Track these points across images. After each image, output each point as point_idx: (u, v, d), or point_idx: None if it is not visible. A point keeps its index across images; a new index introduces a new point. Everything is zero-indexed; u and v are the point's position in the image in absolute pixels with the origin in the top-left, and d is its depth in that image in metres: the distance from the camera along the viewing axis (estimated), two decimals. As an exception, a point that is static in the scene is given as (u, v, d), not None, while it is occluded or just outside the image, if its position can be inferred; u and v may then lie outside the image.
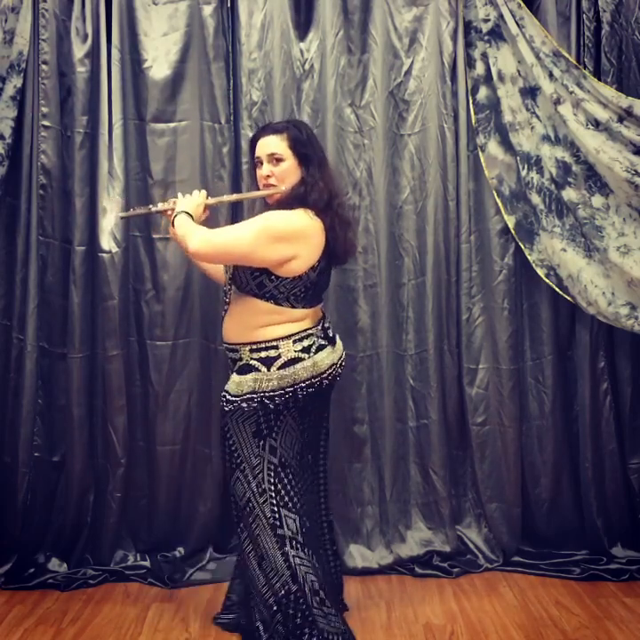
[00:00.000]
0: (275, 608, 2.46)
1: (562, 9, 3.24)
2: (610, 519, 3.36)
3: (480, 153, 3.30)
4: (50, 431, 3.30)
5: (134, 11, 3.22)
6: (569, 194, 3.19)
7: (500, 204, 3.29)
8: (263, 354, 2.52)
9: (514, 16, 3.18)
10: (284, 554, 2.47)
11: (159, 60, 3.24)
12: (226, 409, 2.54)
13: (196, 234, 2.48)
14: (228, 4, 3.25)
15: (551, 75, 3.15)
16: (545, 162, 3.21)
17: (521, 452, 3.40)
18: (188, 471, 3.37)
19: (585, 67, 3.19)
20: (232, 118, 3.28)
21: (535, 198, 3.23)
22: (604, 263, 3.17)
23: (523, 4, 3.18)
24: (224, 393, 2.57)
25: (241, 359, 2.55)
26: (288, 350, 2.52)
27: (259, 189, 2.67)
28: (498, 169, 3.29)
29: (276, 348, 2.52)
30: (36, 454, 3.26)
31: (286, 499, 2.52)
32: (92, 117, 3.20)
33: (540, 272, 3.27)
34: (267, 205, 2.67)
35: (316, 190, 2.56)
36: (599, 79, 3.16)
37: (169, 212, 2.67)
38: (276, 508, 2.50)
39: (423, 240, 3.35)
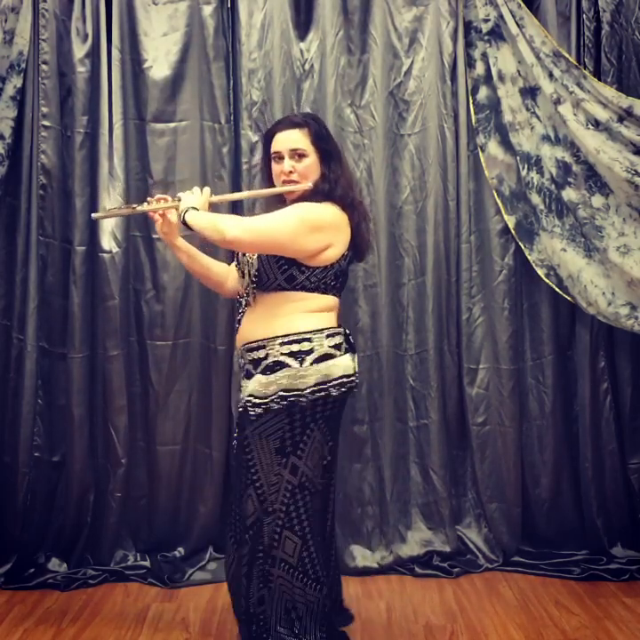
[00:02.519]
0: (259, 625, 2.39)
1: (562, 9, 3.24)
2: (610, 519, 3.36)
3: (480, 153, 3.30)
4: (50, 431, 3.30)
5: (134, 11, 3.22)
6: (569, 194, 3.19)
7: (500, 204, 3.29)
8: (295, 347, 2.36)
9: (514, 16, 3.18)
10: (271, 576, 2.36)
11: (159, 60, 3.24)
12: (252, 415, 2.36)
13: (232, 221, 2.38)
14: (228, 4, 3.25)
15: (551, 75, 3.15)
16: (545, 162, 3.21)
17: (521, 452, 3.40)
18: (187, 471, 3.37)
19: (585, 67, 3.19)
20: (232, 118, 3.28)
21: (535, 198, 3.23)
22: (604, 263, 3.16)
23: (523, 4, 3.18)
24: (248, 398, 2.39)
25: (267, 357, 2.38)
26: (321, 345, 2.37)
27: (268, 186, 2.60)
28: (498, 169, 3.29)
29: (309, 340, 2.37)
30: (35, 454, 3.26)
31: (295, 522, 2.37)
32: (92, 117, 3.20)
33: (540, 272, 3.27)
34: (281, 203, 2.57)
35: (340, 186, 2.49)
36: (599, 79, 3.16)
37: (159, 214, 2.57)
38: (278, 530, 2.36)
39: (423, 240, 3.35)
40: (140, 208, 2.60)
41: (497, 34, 3.23)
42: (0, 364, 3.28)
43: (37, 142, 3.17)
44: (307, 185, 2.48)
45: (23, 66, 3.13)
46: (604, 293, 3.16)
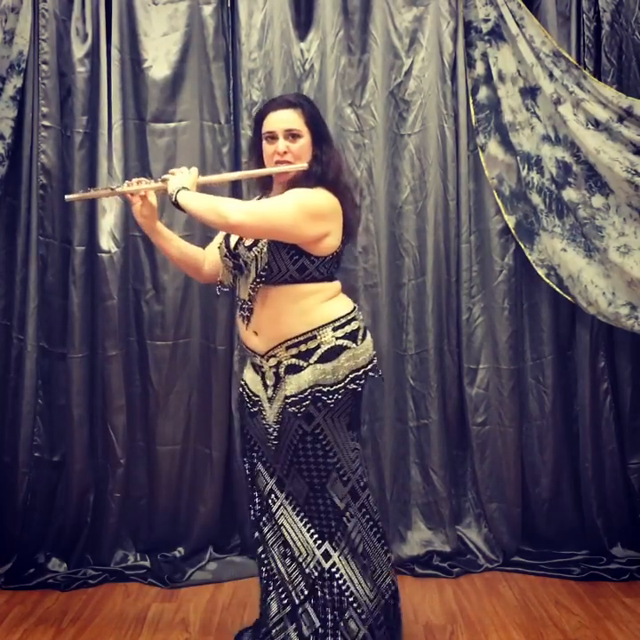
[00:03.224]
0: (377, 614, 2.42)
1: (562, 9, 3.24)
2: (610, 519, 3.36)
3: (480, 153, 3.30)
4: (50, 431, 3.30)
5: (134, 11, 3.22)
6: (569, 194, 3.19)
7: (500, 204, 3.29)
8: (348, 328, 2.41)
9: (514, 16, 3.18)
10: (385, 551, 2.46)
11: (159, 60, 3.24)
12: (329, 402, 2.35)
13: (233, 205, 2.34)
14: (228, 4, 3.25)
15: (551, 75, 3.15)
16: (545, 162, 3.21)
17: (521, 452, 3.40)
18: (187, 471, 3.37)
19: (585, 67, 3.19)
20: (232, 118, 3.28)
21: (535, 198, 3.23)
22: (604, 263, 3.16)
23: (523, 4, 3.18)
24: (316, 387, 2.35)
25: (320, 346, 2.37)
26: (359, 321, 2.47)
27: (258, 167, 2.53)
28: (498, 169, 3.29)
29: (355, 319, 2.45)
30: (35, 454, 3.26)
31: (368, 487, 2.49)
32: (91, 117, 3.20)
33: (541, 272, 3.27)
34: (269, 184, 2.56)
35: (333, 169, 2.48)
36: (599, 79, 3.16)
37: (141, 194, 2.49)
38: (374, 501, 2.45)
39: (423, 240, 3.35)
40: (119, 189, 2.52)
41: (497, 34, 3.23)
42: (0, 364, 3.28)
43: (37, 142, 3.17)
44: (302, 165, 2.44)
45: (23, 66, 3.13)
46: (604, 293, 3.16)
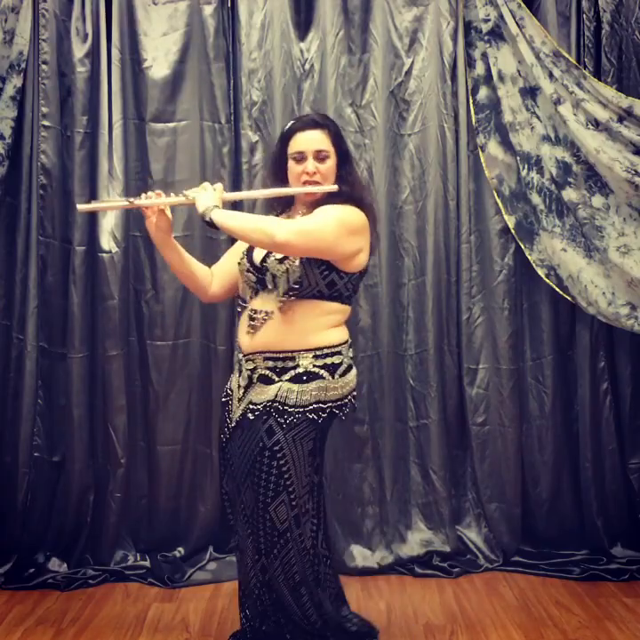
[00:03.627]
0: (309, 633, 2.42)
1: (562, 9, 3.24)
2: (610, 519, 3.36)
3: (480, 153, 3.30)
4: (50, 431, 3.30)
5: (134, 11, 3.22)
6: (569, 194, 3.19)
7: (500, 204, 3.29)
8: (328, 360, 2.39)
9: (514, 16, 3.18)
10: (314, 576, 2.43)
11: (159, 60, 3.24)
12: (283, 422, 2.34)
13: (276, 223, 2.34)
14: (228, 4, 3.25)
15: (551, 75, 3.15)
16: (545, 162, 3.21)
17: (521, 452, 3.40)
18: (187, 471, 3.37)
19: (585, 67, 3.19)
20: (232, 118, 3.28)
21: (535, 198, 3.23)
22: (604, 263, 3.17)
23: (523, 4, 3.18)
24: (275, 403, 2.36)
25: (297, 367, 2.37)
26: (347, 356, 2.45)
27: (280, 186, 2.51)
28: (498, 169, 3.29)
29: (340, 353, 2.42)
30: (35, 454, 3.26)
31: (320, 517, 2.47)
32: (91, 117, 3.20)
33: (541, 272, 3.27)
34: (288, 204, 2.55)
35: (358, 188, 2.51)
36: (599, 79, 3.16)
37: (152, 209, 2.45)
38: (314, 528, 2.43)
39: (423, 240, 3.35)
40: (138, 202, 2.45)
41: (497, 34, 3.23)
42: (0, 364, 3.28)
43: (37, 142, 3.17)
44: (333, 187, 2.45)
45: (23, 66, 3.13)
46: (604, 293, 3.17)
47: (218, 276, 2.64)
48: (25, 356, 3.22)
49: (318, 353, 2.39)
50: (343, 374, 2.42)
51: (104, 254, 3.20)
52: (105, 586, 3.21)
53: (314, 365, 2.38)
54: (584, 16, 3.21)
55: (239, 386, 2.48)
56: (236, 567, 2.59)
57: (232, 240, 3.06)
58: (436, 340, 3.36)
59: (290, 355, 2.39)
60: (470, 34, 3.27)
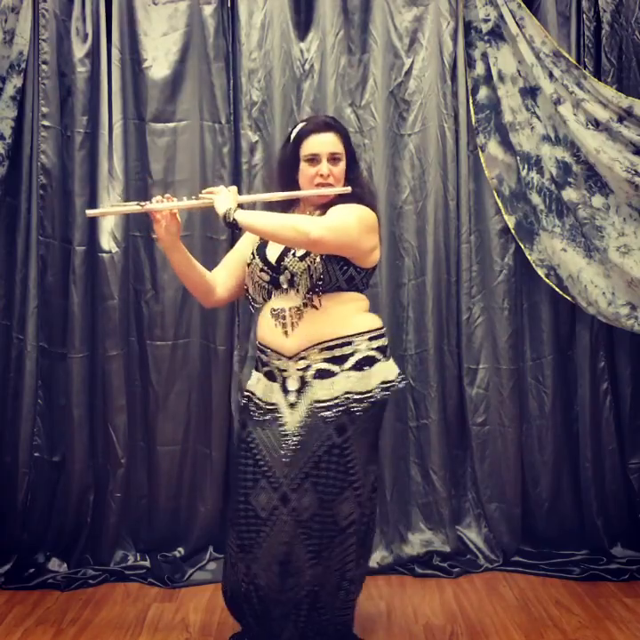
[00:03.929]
0: (344, 624, 2.43)
1: (562, 9, 3.24)
2: (610, 519, 3.36)
3: (480, 153, 3.30)
4: (50, 431, 3.30)
5: (134, 11, 3.22)
6: (569, 194, 3.19)
7: (500, 204, 3.29)
8: (380, 342, 2.45)
9: (514, 16, 3.18)
10: (362, 573, 2.48)
11: (159, 60, 3.24)
12: (353, 415, 2.33)
13: (307, 220, 2.35)
14: (228, 4, 3.25)
15: (551, 75, 3.15)
16: (545, 162, 3.21)
17: (521, 452, 3.40)
18: (187, 471, 3.37)
19: (585, 67, 3.19)
20: (232, 118, 3.28)
21: (535, 198, 3.23)
22: (604, 263, 3.17)
23: (523, 4, 3.18)
24: (345, 395, 2.34)
25: (354, 353, 2.38)
26: (387, 338, 2.50)
27: (289, 187, 2.50)
28: (498, 169, 3.29)
29: (383, 336, 2.48)
30: (35, 454, 3.26)
31: (375, 512, 2.52)
32: (91, 117, 3.20)
33: (540, 272, 3.27)
34: (294, 206, 2.55)
35: (367, 190, 2.56)
36: (599, 79, 3.16)
37: (163, 214, 2.40)
38: (371, 525, 2.48)
39: (423, 240, 3.35)
40: (149, 206, 2.40)
41: (497, 34, 3.23)
42: (0, 364, 3.28)
43: (37, 142, 3.17)
44: (346, 189, 2.47)
45: (23, 66, 3.13)
46: (604, 293, 3.17)
47: (222, 280, 2.59)
48: (25, 356, 3.22)
49: (371, 335, 2.43)
50: (389, 356, 2.48)
51: (104, 254, 3.20)
52: (105, 586, 3.21)
53: (370, 348, 2.41)
54: (584, 16, 3.21)
55: (287, 391, 2.40)
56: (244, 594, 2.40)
57: (232, 240, 3.07)
58: (435, 340, 3.36)
59: (347, 340, 2.39)
60: (470, 34, 3.27)
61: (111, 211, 2.57)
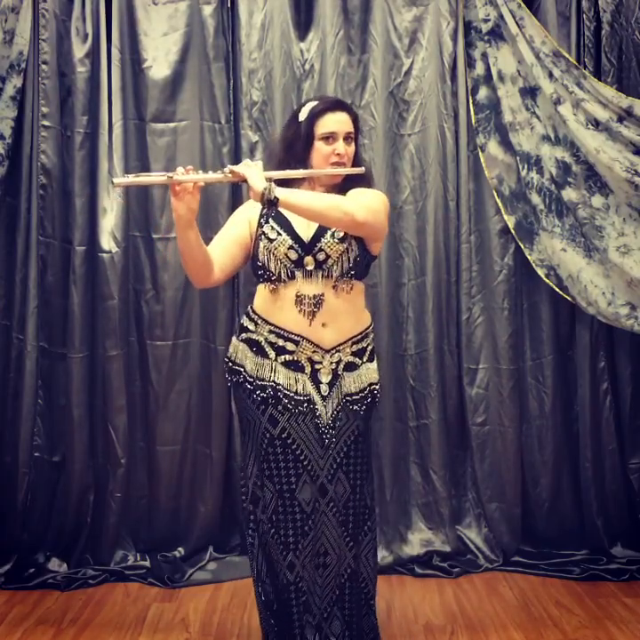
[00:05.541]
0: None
1: (562, 9, 3.24)
2: (610, 519, 3.36)
3: (480, 153, 3.30)
4: (50, 431, 3.30)
5: (134, 11, 3.22)
6: (569, 194, 3.19)
7: (500, 204, 3.29)
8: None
9: (514, 16, 3.18)
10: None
11: (159, 60, 3.24)
12: (372, 405, 2.46)
13: (348, 200, 2.30)
14: (228, 4, 3.25)
15: (551, 75, 3.15)
16: (545, 162, 3.21)
17: (521, 452, 3.40)
18: (187, 471, 3.37)
19: (585, 67, 3.19)
20: (232, 118, 3.28)
21: (535, 198, 3.23)
22: (604, 263, 3.17)
23: (523, 4, 3.18)
24: (372, 386, 2.44)
25: (369, 344, 2.47)
26: None
27: (299, 165, 2.40)
28: (498, 169, 3.29)
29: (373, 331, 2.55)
30: (35, 454, 3.26)
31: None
32: (91, 117, 3.20)
33: (540, 272, 3.27)
34: (301, 184, 2.43)
35: (371, 174, 2.56)
36: (599, 79, 3.16)
37: (184, 187, 2.18)
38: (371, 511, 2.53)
39: (423, 240, 3.35)
40: (177, 177, 2.18)
41: (497, 34, 3.23)
42: (0, 364, 3.28)
43: (37, 142, 3.16)
44: (360, 169, 2.44)
45: (23, 66, 3.13)
46: (603, 293, 3.17)
47: (218, 258, 2.41)
48: (25, 356, 3.22)
49: (372, 329, 2.51)
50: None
51: (104, 254, 3.20)
52: (105, 586, 3.21)
53: (370, 344, 2.48)
54: (584, 16, 3.21)
55: (320, 382, 2.36)
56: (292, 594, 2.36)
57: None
58: (435, 340, 3.36)
59: (365, 333, 2.46)
60: (470, 34, 3.27)
61: (139, 181, 2.38)
